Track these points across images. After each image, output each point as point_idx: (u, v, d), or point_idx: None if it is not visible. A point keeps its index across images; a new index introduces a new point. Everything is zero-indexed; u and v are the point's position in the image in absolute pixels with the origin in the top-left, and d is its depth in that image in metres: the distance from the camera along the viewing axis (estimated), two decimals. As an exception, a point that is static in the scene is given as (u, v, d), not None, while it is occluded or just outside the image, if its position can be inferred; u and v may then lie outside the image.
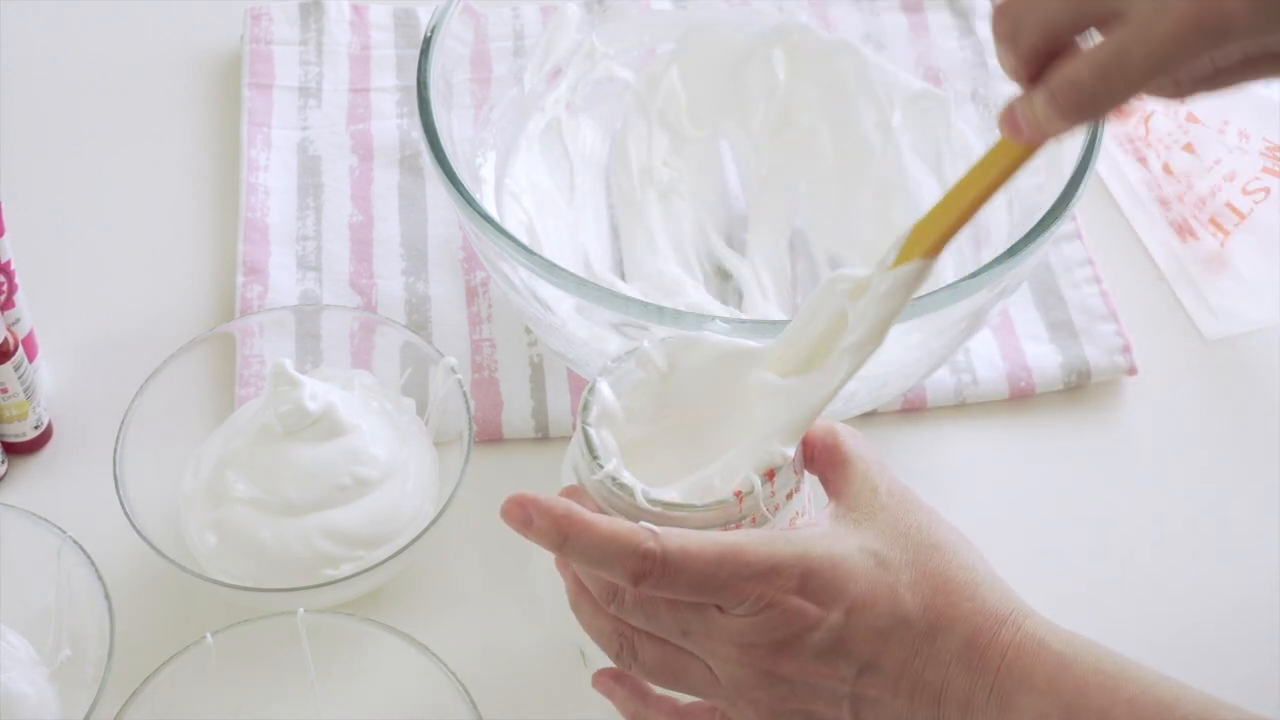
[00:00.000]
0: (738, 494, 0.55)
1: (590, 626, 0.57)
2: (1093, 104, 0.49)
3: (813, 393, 0.56)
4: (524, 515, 0.53)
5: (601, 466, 0.56)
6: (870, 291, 0.55)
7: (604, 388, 0.58)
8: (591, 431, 0.57)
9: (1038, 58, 0.51)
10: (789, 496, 0.58)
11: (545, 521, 0.53)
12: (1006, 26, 0.51)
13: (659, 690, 0.59)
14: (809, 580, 0.53)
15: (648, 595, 0.54)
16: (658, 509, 0.55)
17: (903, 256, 0.54)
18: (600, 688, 0.60)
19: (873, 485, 0.57)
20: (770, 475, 0.56)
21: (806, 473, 0.59)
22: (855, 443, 0.58)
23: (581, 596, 0.57)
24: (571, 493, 0.58)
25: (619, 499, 0.56)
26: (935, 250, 0.54)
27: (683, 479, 0.57)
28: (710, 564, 0.52)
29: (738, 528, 0.56)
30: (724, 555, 0.52)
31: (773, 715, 0.55)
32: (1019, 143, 0.52)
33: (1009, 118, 0.51)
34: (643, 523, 0.53)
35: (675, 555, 0.52)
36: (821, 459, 0.58)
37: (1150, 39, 0.46)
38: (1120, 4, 0.47)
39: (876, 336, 0.55)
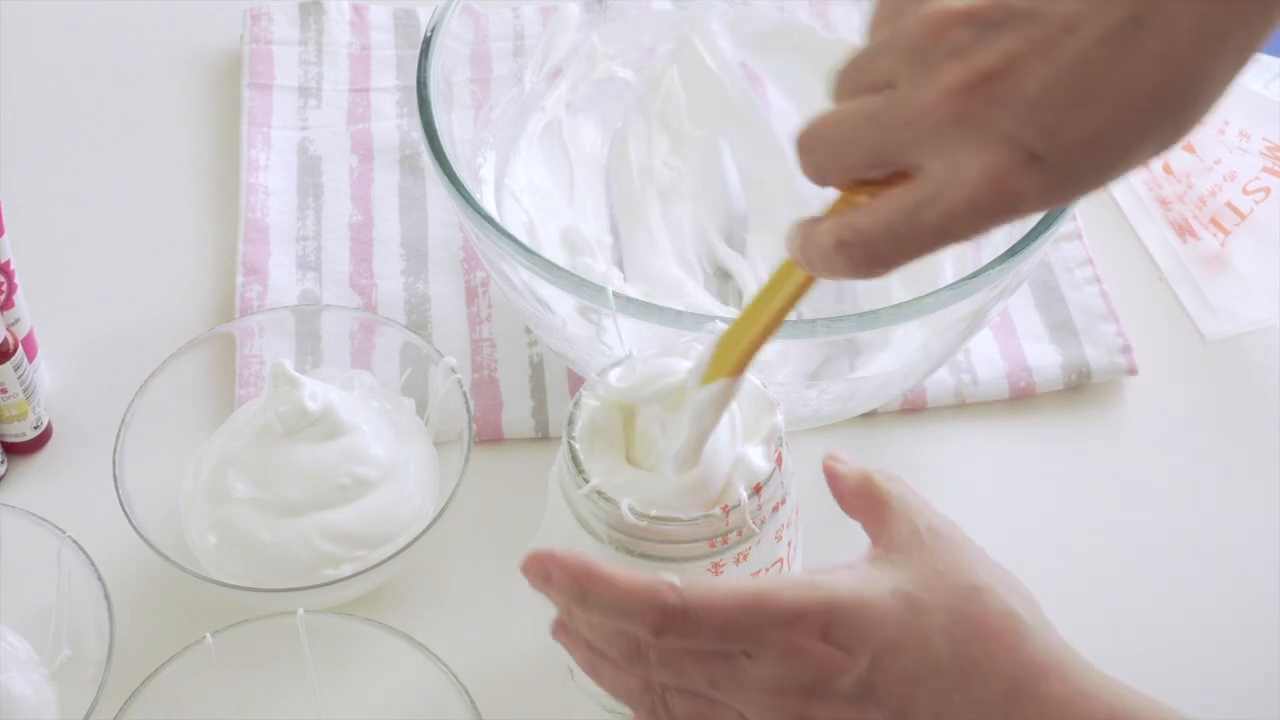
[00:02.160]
0: (724, 508, 0.55)
1: (614, 688, 0.56)
2: (879, 262, 0.48)
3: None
4: (543, 571, 0.52)
5: (587, 481, 0.56)
6: (685, 405, 0.55)
7: (589, 400, 0.58)
8: (577, 445, 0.57)
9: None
10: (775, 509, 0.58)
11: (564, 579, 0.52)
12: (811, 169, 0.49)
13: None
14: (833, 626, 0.52)
15: (672, 649, 0.52)
16: (643, 523, 0.55)
17: (709, 376, 0.55)
18: None
19: (913, 524, 0.55)
20: (757, 489, 0.56)
21: (794, 486, 0.59)
22: (893, 485, 0.56)
23: (601, 662, 0.55)
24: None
25: (605, 513, 0.56)
26: (739, 369, 0.54)
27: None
28: (733, 612, 0.51)
29: (724, 541, 0.56)
30: (746, 603, 0.51)
31: None
32: (804, 272, 0.51)
33: (799, 244, 0.50)
34: (664, 575, 0.52)
35: (696, 606, 0.51)
36: (858, 505, 0.57)
37: (943, 205, 0.46)
38: (918, 158, 0.46)
39: (694, 453, 0.55)
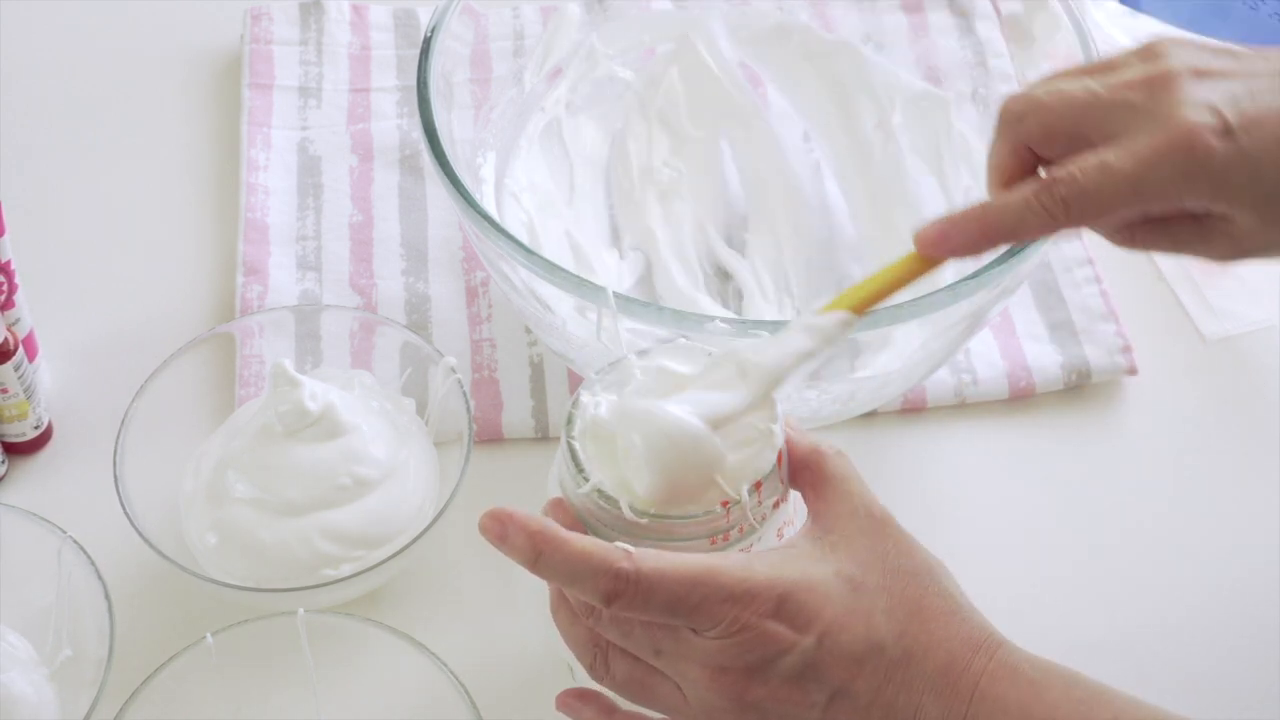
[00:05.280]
0: (724, 504, 0.55)
1: (567, 635, 0.57)
2: (1084, 200, 0.54)
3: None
4: (500, 530, 0.53)
5: (587, 480, 0.56)
6: (791, 326, 0.58)
7: (588, 400, 0.58)
8: (576, 445, 0.57)
9: (1020, 160, 0.57)
10: (775, 506, 0.58)
11: (520, 537, 0.53)
12: (1018, 107, 0.57)
13: (628, 706, 0.59)
14: (784, 604, 0.53)
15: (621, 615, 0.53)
16: (644, 520, 0.55)
17: (832, 306, 0.58)
18: (564, 709, 0.60)
19: (852, 507, 0.56)
20: (757, 486, 0.56)
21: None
22: (838, 462, 0.57)
23: (561, 605, 0.57)
24: (556, 505, 0.58)
25: (605, 512, 0.56)
26: (862, 308, 0.58)
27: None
28: (684, 585, 0.52)
29: (725, 539, 0.56)
30: (698, 577, 0.52)
31: None
32: (944, 254, 0.57)
33: (977, 222, 0.57)
34: (618, 542, 0.53)
35: (649, 575, 0.52)
36: (803, 476, 0.58)
37: (1134, 153, 0.53)
38: (1118, 129, 0.54)
39: (776, 378, 0.56)
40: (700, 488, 0.56)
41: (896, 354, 0.73)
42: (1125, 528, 0.77)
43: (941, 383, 0.80)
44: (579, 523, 0.57)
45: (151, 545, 0.68)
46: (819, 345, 0.57)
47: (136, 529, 0.68)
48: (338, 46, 0.96)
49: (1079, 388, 0.82)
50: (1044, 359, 0.81)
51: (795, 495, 0.59)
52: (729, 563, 0.53)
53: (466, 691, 0.63)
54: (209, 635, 0.64)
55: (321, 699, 0.67)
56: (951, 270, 0.80)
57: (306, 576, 0.69)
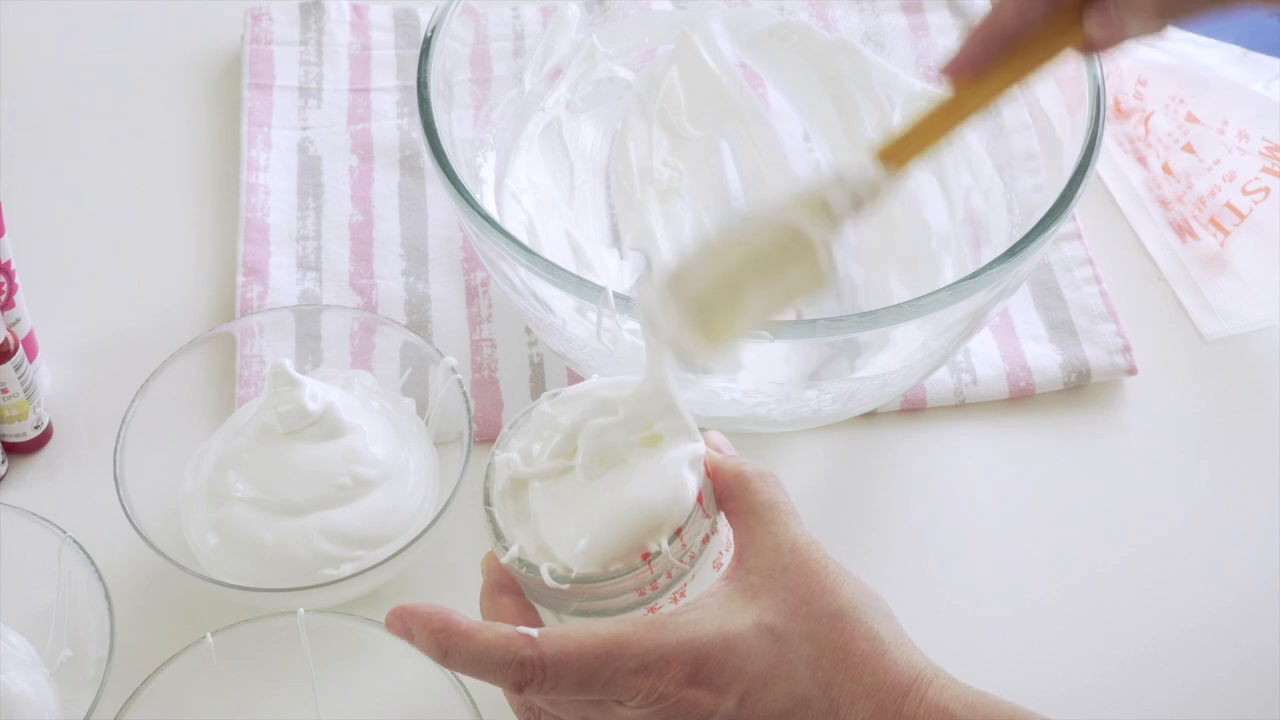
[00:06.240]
0: (645, 556, 0.54)
1: (508, 698, 0.57)
2: None
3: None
4: (403, 627, 0.53)
5: (507, 549, 0.55)
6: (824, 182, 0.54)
7: (502, 459, 0.57)
8: (494, 511, 0.56)
9: None
10: (705, 541, 0.56)
11: (423, 635, 0.52)
12: None
13: None
14: (700, 668, 0.52)
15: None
16: (565, 586, 0.54)
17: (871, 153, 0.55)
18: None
19: (775, 543, 0.55)
20: (679, 532, 0.54)
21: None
22: (764, 488, 0.56)
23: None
24: (490, 559, 0.57)
25: (527, 579, 0.55)
26: (900, 164, 0.54)
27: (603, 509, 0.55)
28: (592, 662, 0.51)
29: (654, 588, 0.55)
30: (608, 652, 0.51)
31: None
32: (966, 69, 0.54)
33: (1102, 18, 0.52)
34: (521, 629, 0.52)
35: (553, 659, 0.51)
36: (729, 505, 0.56)
37: None
38: None
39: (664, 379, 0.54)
40: (631, 548, 0.54)
41: (896, 354, 0.73)
42: (1125, 527, 0.77)
43: (941, 383, 0.80)
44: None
45: (151, 545, 0.68)
46: (848, 203, 0.54)
47: (136, 529, 0.68)
48: (338, 46, 0.96)
49: (1079, 388, 0.82)
50: (1044, 359, 0.81)
51: (725, 524, 0.58)
52: (639, 630, 0.52)
53: (466, 691, 0.63)
54: (209, 635, 0.64)
55: (321, 699, 0.67)
56: (951, 270, 0.80)
57: (306, 576, 0.69)
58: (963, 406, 0.81)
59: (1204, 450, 0.80)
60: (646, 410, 0.56)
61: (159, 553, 0.67)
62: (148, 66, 0.97)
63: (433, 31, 0.77)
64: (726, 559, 0.58)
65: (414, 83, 0.76)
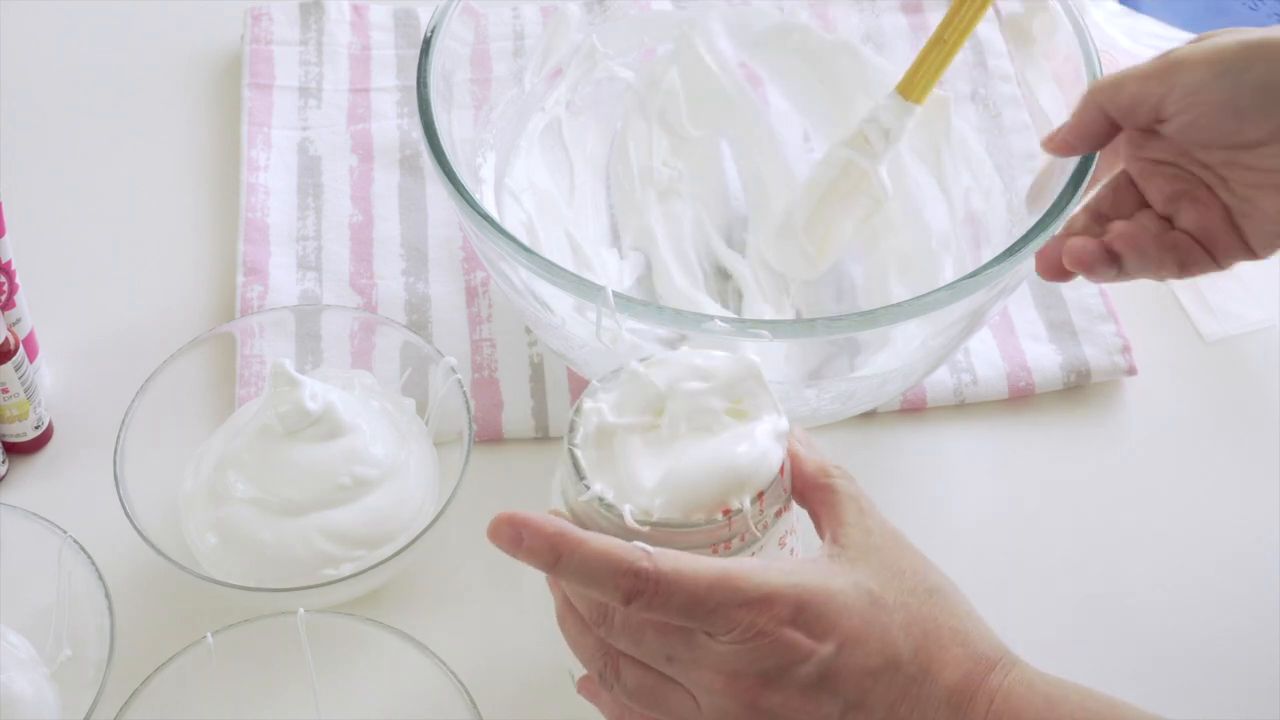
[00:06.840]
0: (726, 513, 0.55)
1: (575, 645, 0.57)
2: None
3: None
4: (514, 534, 0.52)
5: (588, 488, 0.56)
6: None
7: (590, 407, 0.58)
8: (578, 453, 0.57)
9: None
10: (778, 514, 0.57)
11: (538, 541, 0.52)
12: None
13: None
14: (802, 611, 0.52)
15: (636, 619, 0.53)
16: (646, 528, 0.55)
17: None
18: (586, 694, 0.60)
19: (866, 526, 0.56)
20: (759, 495, 0.55)
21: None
22: (847, 482, 0.57)
23: (569, 614, 0.56)
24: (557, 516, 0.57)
25: (606, 520, 0.55)
26: (921, 95, 0.74)
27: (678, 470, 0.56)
28: (703, 587, 0.51)
29: (726, 547, 0.56)
30: (718, 580, 0.52)
31: None
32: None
33: None
34: (637, 542, 0.52)
35: (669, 576, 0.51)
36: (812, 496, 0.58)
37: None
38: None
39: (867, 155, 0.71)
40: (714, 502, 0.55)
41: (896, 353, 0.73)
42: (1125, 527, 0.77)
43: (941, 382, 0.80)
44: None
45: (151, 545, 0.68)
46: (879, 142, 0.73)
47: (136, 529, 0.68)
48: (338, 46, 0.96)
49: (1079, 388, 0.82)
50: (1043, 359, 0.81)
51: (796, 505, 0.59)
52: (748, 567, 0.52)
53: (466, 691, 0.63)
54: (209, 635, 0.64)
55: (321, 699, 0.67)
56: (951, 270, 0.80)
57: (306, 576, 0.69)
58: (962, 406, 0.81)
59: (1204, 450, 0.80)
60: (738, 384, 0.58)
61: (159, 553, 0.67)
62: (148, 66, 0.97)
63: (433, 31, 0.77)
64: (790, 542, 0.59)
65: (414, 83, 0.76)
